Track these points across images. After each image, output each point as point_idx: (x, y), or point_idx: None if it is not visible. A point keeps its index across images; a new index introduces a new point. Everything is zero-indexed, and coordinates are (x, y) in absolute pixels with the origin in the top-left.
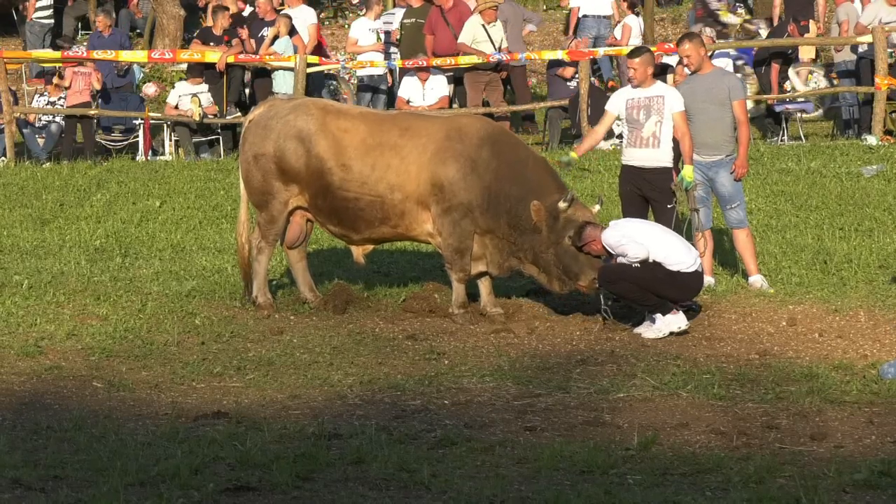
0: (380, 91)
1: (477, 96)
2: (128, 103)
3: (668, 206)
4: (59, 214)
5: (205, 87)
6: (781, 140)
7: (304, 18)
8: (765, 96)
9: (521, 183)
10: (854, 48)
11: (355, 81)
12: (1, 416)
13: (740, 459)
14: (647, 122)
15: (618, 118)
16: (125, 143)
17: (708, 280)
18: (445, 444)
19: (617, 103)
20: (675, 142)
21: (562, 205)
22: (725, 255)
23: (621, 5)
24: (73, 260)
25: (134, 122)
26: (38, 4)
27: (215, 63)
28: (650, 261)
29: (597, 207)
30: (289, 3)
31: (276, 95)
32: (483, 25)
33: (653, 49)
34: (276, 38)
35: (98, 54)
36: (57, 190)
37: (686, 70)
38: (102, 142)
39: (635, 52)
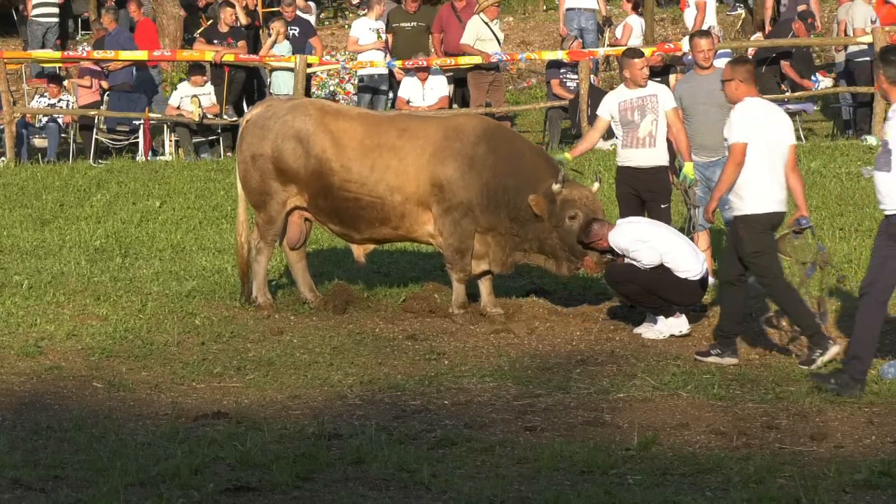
0: (380, 91)
1: (480, 96)
2: (136, 104)
3: (663, 206)
4: (59, 215)
5: (207, 87)
6: None
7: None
8: (767, 97)
9: (518, 174)
10: (845, 50)
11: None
12: (1, 416)
13: (740, 459)
14: (643, 122)
15: (612, 120)
16: (127, 142)
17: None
18: (445, 444)
19: (608, 107)
20: (668, 141)
21: (555, 187)
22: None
23: (624, 5)
24: (73, 260)
25: (135, 122)
26: (37, 1)
27: (221, 63)
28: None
29: (596, 185)
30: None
31: (273, 95)
32: (486, 23)
33: (653, 49)
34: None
35: (98, 54)
36: (57, 190)
37: (698, 66)
38: (104, 140)
39: (634, 53)
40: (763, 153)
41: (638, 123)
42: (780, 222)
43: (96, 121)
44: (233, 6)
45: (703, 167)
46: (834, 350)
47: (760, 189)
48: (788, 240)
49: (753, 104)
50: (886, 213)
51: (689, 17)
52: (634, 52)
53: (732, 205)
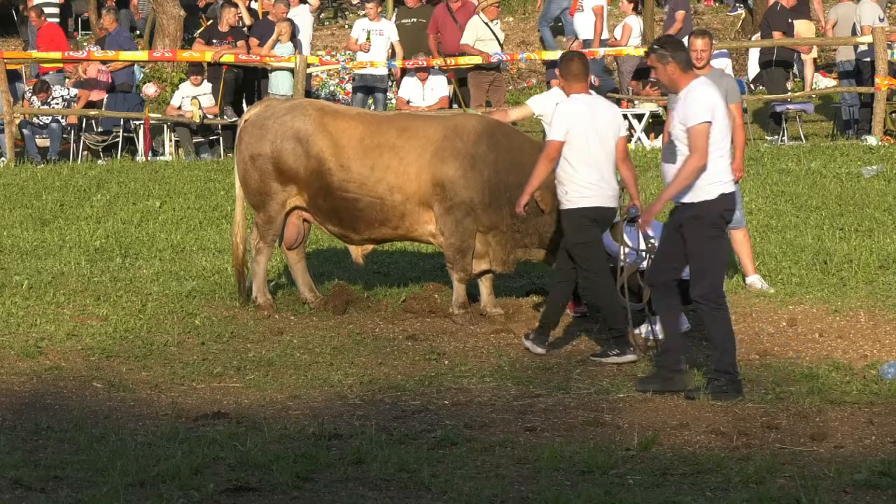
0: (377, 90)
1: (480, 96)
2: (131, 104)
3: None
4: (59, 215)
5: (207, 87)
6: (781, 140)
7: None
8: (766, 96)
9: (519, 170)
10: (856, 50)
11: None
12: (1, 417)
13: (740, 460)
14: None
15: (543, 121)
16: (105, 142)
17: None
18: (445, 444)
19: (542, 105)
20: None
21: None
22: None
23: (623, 6)
24: (73, 260)
25: (134, 122)
26: (39, 1)
27: (219, 63)
28: None
29: None
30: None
31: (271, 95)
32: (487, 23)
33: None
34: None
35: (98, 54)
36: (57, 190)
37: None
38: (87, 142)
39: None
40: (584, 149)
41: None
42: (609, 217)
43: (84, 122)
44: (236, 6)
45: None
46: (629, 358)
47: (583, 185)
48: (620, 227)
49: (578, 100)
50: (677, 202)
51: (584, 22)
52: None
53: (560, 198)
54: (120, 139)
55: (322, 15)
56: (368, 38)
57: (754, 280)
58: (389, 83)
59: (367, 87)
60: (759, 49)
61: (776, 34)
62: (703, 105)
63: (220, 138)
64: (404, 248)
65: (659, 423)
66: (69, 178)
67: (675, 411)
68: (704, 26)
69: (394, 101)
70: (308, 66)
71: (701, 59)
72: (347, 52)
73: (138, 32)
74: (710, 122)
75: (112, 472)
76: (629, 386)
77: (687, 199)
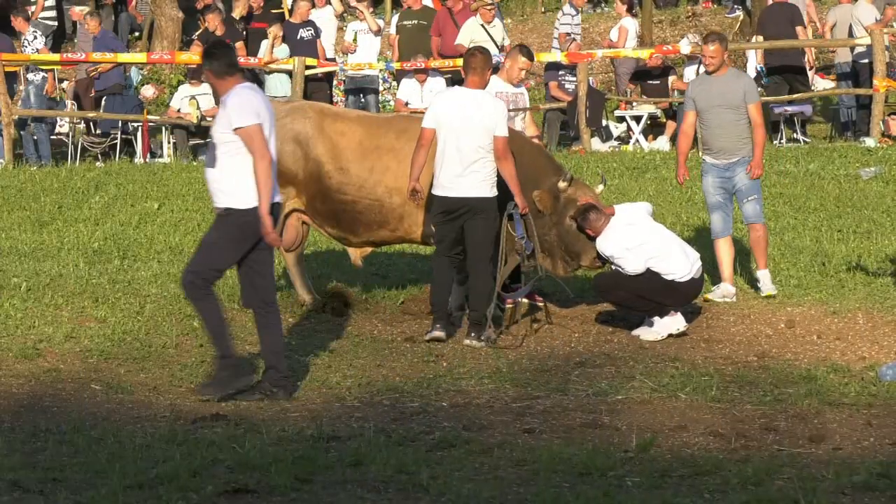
0: (368, 91)
1: None
2: (129, 105)
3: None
4: (57, 217)
5: (206, 87)
6: (780, 142)
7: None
8: (765, 98)
9: (519, 171)
10: (853, 52)
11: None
12: (0, 419)
13: (739, 461)
14: (517, 118)
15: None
16: (104, 145)
17: (728, 289)
18: (444, 446)
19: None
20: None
21: (561, 185)
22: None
23: (618, 7)
24: (71, 262)
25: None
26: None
27: None
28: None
29: (600, 187)
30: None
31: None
32: (482, 25)
33: (651, 51)
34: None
35: (97, 56)
36: (55, 192)
37: (702, 69)
38: (85, 144)
39: (528, 54)
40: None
41: (513, 117)
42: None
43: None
44: (220, 11)
45: (723, 168)
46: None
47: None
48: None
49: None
50: (218, 209)
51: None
52: (528, 53)
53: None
54: (118, 141)
55: None
56: (355, 39)
57: (763, 275)
58: (389, 83)
59: (358, 89)
60: (756, 51)
61: (799, 30)
62: (251, 108)
63: None
64: (402, 250)
65: (657, 424)
66: (67, 180)
67: (674, 413)
68: (703, 28)
69: (391, 101)
70: (307, 68)
71: (712, 65)
72: (345, 56)
73: (137, 35)
74: (260, 124)
75: (111, 474)
76: (627, 388)
77: (223, 204)
